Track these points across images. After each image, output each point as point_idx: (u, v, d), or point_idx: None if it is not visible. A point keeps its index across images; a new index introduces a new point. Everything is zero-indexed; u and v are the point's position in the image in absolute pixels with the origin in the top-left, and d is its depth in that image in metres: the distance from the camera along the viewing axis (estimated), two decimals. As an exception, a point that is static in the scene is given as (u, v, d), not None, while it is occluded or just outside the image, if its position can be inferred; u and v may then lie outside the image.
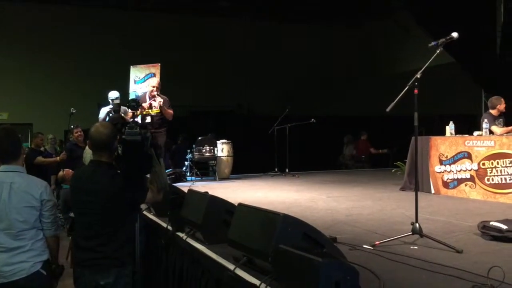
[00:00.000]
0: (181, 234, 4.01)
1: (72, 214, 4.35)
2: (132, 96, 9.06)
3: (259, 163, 10.58)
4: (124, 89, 9.25)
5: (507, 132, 6.47)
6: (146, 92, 7.73)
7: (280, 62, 15.14)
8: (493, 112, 6.98)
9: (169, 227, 4.26)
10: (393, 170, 9.00)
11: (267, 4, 13.90)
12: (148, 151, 2.82)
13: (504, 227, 3.74)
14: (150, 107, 7.46)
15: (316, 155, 13.24)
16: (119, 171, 2.95)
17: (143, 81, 9.47)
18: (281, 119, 10.32)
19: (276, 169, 10.15)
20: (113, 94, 8.16)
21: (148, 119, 7.39)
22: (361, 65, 15.74)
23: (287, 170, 10.07)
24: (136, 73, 9.56)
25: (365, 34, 15.97)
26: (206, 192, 4.34)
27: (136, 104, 3.04)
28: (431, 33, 8.86)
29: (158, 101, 7.43)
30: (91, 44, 13.39)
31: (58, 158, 8.55)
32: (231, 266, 3.01)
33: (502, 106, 6.95)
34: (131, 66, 9.66)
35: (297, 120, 10.31)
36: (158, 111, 7.47)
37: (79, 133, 7.99)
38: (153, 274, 4.64)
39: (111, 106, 8.09)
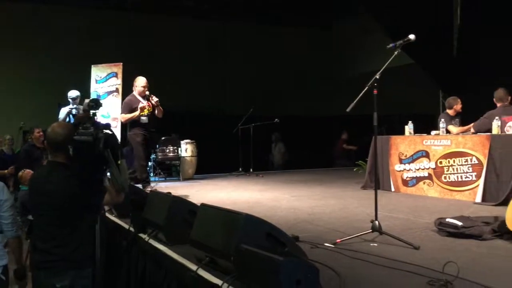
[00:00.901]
0: (143, 236, 3.97)
1: (30, 217, 4.25)
2: (93, 95, 8.91)
3: (223, 163, 10.58)
4: (85, 88, 9.10)
5: (463, 132, 6.69)
6: (134, 94, 7.35)
7: (246, 62, 15.16)
8: (450, 112, 7.21)
9: (131, 229, 4.21)
10: (354, 169, 9.17)
11: (235, 4, 13.89)
12: (101, 152, 2.78)
13: (459, 223, 3.88)
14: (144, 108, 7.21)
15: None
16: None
17: (104, 81, 9.34)
18: (245, 118, 10.35)
19: (240, 169, 10.18)
20: (73, 93, 8.03)
21: (146, 120, 7.18)
22: (325, 65, 15.92)
23: (251, 170, 10.11)
24: (97, 72, 9.43)
25: (328, 35, 16.17)
26: (169, 193, 4.33)
27: (95, 104, 2.99)
28: (391, 35, 9.04)
29: (155, 100, 7.23)
30: (51, 42, 13.05)
31: (6, 171, 8.39)
32: (193, 267, 3.01)
33: (458, 106, 7.18)
34: (93, 66, 9.52)
35: (261, 120, 10.38)
36: (151, 110, 7.24)
37: (41, 133, 7.82)
38: (115, 276, 4.58)
39: (71, 106, 7.95)
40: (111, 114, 8.99)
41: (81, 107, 7.79)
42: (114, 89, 9.25)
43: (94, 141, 2.77)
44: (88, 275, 2.98)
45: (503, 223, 3.77)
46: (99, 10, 13.52)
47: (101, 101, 3.27)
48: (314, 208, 5.56)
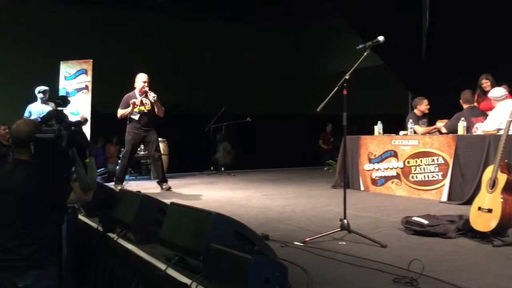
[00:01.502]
0: (112, 235, 3.93)
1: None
2: (62, 92, 8.76)
3: (195, 161, 10.54)
4: (54, 85, 8.93)
5: (428, 132, 6.82)
6: (134, 91, 7.19)
7: (217, 60, 15.13)
8: (417, 112, 7.36)
9: (100, 228, 4.16)
10: (325, 169, 9.26)
11: (202, 1, 13.84)
12: (65, 150, 2.74)
13: (425, 222, 3.96)
14: (142, 104, 7.06)
15: (252, 153, 13.36)
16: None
17: (74, 77, 9.19)
18: (217, 117, 10.34)
19: (212, 168, 10.16)
20: (42, 87, 7.89)
21: (137, 117, 7.04)
22: (296, 65, 16.02)
23: (223, 169, 10.11)
24: (66, 69, 9.27)
25: (299, 35, 16.28)
26: (139, 192, 4.30)
27: (61, 101, 2.94)
28: (361, 35, 9.17)
29: (152, 96, 7.03)
30: (18, 38, 12.74)
31: None
32: (162, 266, 3.00)
33: (422, 107, 7.30)
34: (61, 62, 9.35)
35: (233, 119, 10.38)
36: (150, 108, 7.09)
37: (6, 130, 7.65)
38: (84, 276, 4.51)
39: (39, 102, 7.79)
40: (80, 111, 8.84)
41: (48, 105, 7.66)
42: (84, 86, 9.10)
43: (57, 138, 2.73)
44: (52, 275, 2.92)
45: (467, 221, 3.88)
46: (69, 4, 13.28)
47: (69, 98, 3.22)
48: (284, 207, 5.59)
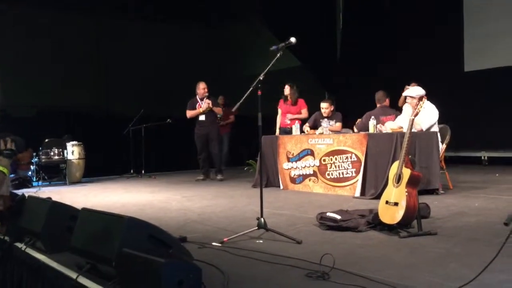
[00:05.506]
0: (20, 245, 3.72)
1: None
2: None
3: (114, 165, 10.26)
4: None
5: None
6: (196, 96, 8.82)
7: (137, 61, 14.78)
8: (322, 112, 7.74)
9: (6, 238, 3.93)
10: (245, 168, 9.36)
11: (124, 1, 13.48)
12: None
13: (338, 217, 4.12)
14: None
15: (173, 155, 13.18)
16: None
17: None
18: (136, 119, 10.13)
19: (132, 171, 9.93)
20: None
21: (201, 117, 8.64)
22: (217, 66, 16.03)
23: (143, 172, 9.91)
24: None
25: (220, 36, 16.30)
26: (49, 198, 4.10)
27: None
28: (279, 36, 9.37)
29: (206, 102, 8.62)
30: None
31: None
32: (73, 275, 2.88)
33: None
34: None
35: (154, 121, 10.20)
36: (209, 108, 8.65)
37: None
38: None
39: None
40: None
41: None
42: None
43: None
44: None
45: (376, 215, 4.08)
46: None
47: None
48: (204, 208, 5.59)
